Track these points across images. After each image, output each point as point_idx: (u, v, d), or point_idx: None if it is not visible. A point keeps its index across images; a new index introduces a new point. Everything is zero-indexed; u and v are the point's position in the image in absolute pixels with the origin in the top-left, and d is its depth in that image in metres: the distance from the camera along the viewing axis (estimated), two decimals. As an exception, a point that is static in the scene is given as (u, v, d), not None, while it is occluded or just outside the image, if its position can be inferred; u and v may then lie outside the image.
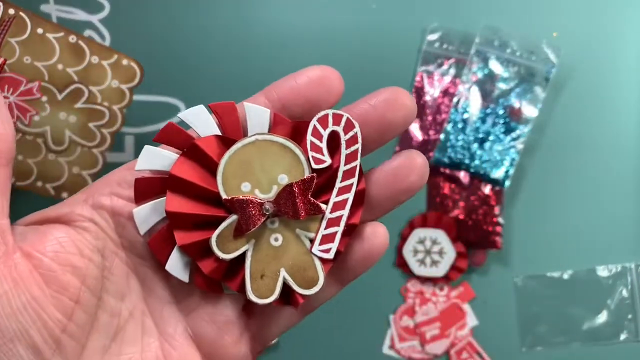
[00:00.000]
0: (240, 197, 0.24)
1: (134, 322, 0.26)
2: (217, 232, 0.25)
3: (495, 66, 0.53)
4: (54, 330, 0.23)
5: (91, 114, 0.45)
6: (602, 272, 0.53)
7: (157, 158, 0.25)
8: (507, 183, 0.53)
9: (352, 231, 0.26)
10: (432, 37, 0.53)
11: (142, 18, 0.52)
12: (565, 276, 0.53)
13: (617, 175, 0.53)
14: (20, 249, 0.24)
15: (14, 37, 0.41)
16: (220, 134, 0.25)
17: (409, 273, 0.54)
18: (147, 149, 0.25)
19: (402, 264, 0.54)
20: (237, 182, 0.25)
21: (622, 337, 0.53)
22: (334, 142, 0.25)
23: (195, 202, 0.25)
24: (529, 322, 0.53)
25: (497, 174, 0.53)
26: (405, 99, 0.25)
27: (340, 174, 0.25)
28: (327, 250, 0.25)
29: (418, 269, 0.53)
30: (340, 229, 0.25)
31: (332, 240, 0.25)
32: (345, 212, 0.25)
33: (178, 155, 0.25)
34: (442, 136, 0.53)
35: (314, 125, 0.25)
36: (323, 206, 0.25)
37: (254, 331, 0.27)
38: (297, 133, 0.25)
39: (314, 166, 0.25)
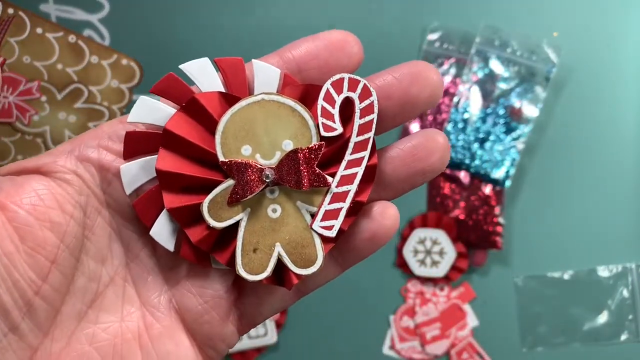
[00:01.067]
0: (239, 160, 0.22)
1: (114, 289, 0.23)
2: (210, 196, 0.23)
3: (495, 66, 0.53)
4: (25, 291, 0.21)
5: (91, 114, 0.45)
6: (603, 272, 0.53)
7: (153, 111, 0.23)
8: (508, 183, 0.53)
9: (358, 209, 0.23)
10: (433, 36, 0.53)
11: (142, 18, 0.52)
12: (566, 276, 0.53)
13: (617, 175, 0.53)
14: None
15: (13, 37, 0.41)
16: (224, 91, 0.23)
17: (409, 273, 0.53)
18: (142, 99, 0.23)
19: (402, 264, 0.53)
20: (238, 145, 0.23)
21: (623, 337, 0.52)
22: (347, 109, 0.23)
23: (189, 163, 0.23)
24: (529, 322, 0.53)
25: (498, 174, 0.53)
26: (433, 74, 0.23)
27: (351, 145, 0.23)
28: (329, 228, 0.23)
29: (418, 269, 0.53)
30: (345, 206, 0.23)
31: (336, 217, 0.23)
32: (352, 188, 0.23)
33: (175, 110, 0.23)
34: (442, 136, 0.53)
35: (327, 88, 0.23)
36: (329, 178, 0.23)
37: (242, 309, 0.25)
38: (307, 97, 0.23)
39: (323, 134, 0.23)
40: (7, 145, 0.43)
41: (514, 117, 0.53)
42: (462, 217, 0.53)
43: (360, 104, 0.23)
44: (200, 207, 0.23)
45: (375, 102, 0.23)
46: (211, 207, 0.23)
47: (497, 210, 0.53)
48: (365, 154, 0.23)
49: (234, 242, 0.23)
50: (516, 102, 0.53)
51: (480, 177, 0.53)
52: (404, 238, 0.53)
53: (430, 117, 0.54)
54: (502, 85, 0.53)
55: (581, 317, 0.53)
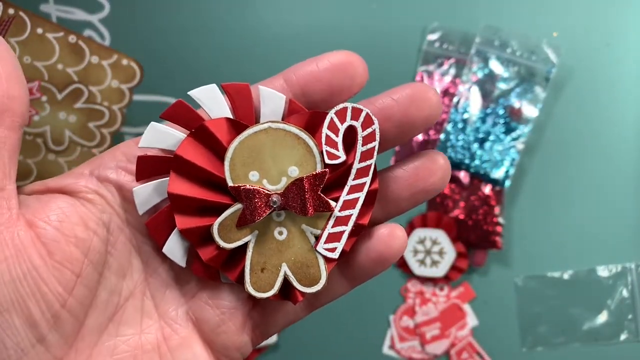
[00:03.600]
0: (248, 186, 0.23)
1: (134, 303, 0.25)
2: (219, 219, 0.24)
3: (495, 66, 0.53)
4: (53, 303, 0.22)
5: (91, 114, 0.45)
6: (603, 272, 0.53)
7: (163, 136, 0.24)
8: (508, 183, 0.53)
9: (359, 231, 0.25)
10: (432, 37, 0.53)
11: (142, 18, 0.52)
12: (566, 276, 0.53)
13: (617, 175, 0.53)
14: (23, 216, 0.22)
15: (13, 37, 0.41)
16: (231, 116, 0.24)
17: (409, 273, 0.54)
18: (153, 126, 0.24)
19: (402, 264, 0.53)
20: (245, 170, 0.24)
21: (623, 337, 0.52)
22: (350, 136, 0.24)
23: (199, 187, 0.24)
24: (529, 322, 0.53)
25: (498, 174, 0.53)
26: (431, 95, 0.24)
27: (353, 172, 0.24)
28: (333, 250, 0.24)
29: (418, 269, 0.53)
30: (348, 229, 0.24)
31: (339, 240, 0.24)
32: (355, 212, 0.24)
33: (185, 135, 0.24)
34: (442, 136, 0.53)
35: (331, 118, 0.24)
36: (333, 204, 0.24)
37: (257, 320, 0.26)
38: (312, 124, 0.24)
39: (327, 161, 0.24)
40: (7, 145, 0.43)
41: (513, 117, 0.53)
42: (461, 217, 0.53)
43: (362, 132, 0.24)
44: (210, 229, 0.24)
45: (377, 130, 0.24)
46: (221, 229, 0.24)
47: (496, 210, 0.53)
48: (367, 179, 0.24)
49: (243, 260, 0.24)
50: (516, 102, 0.53)
51: (480, 177, 0.53)
52: (403, 238, 0.53)
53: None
54: (502, 86, 0.53)
55: (581, 317, 0.53)
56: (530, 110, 0.52)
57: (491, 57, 0.53)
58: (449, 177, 0.25)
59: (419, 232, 0.53)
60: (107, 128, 0.45)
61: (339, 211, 0.24)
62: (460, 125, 0.53)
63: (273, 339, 0.53)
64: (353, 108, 0.24)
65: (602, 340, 0.53)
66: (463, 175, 0.53)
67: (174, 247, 0.24)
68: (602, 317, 0.53)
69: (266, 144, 0.24)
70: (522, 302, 0.53)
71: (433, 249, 0.53)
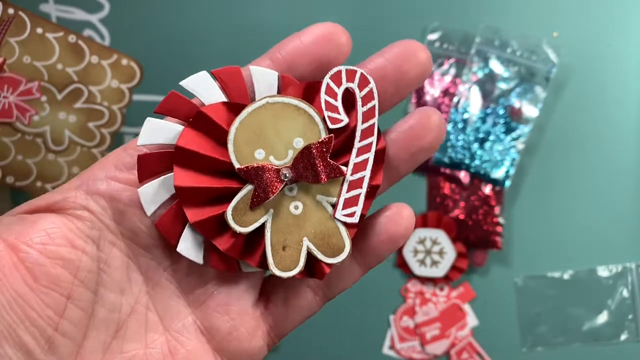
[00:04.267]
0: (255, 164, 0.23)
1: (137, 317, 0.24)
2: (232, 204, 0.23)
3: (495, 66, 0.53)
4: (45, 328, 0.21)
5: (91, 114, 0.45)
6: (603, 272, 0.53)
7: (161, 131, 0.23)
8: (508, 183, 0.53)
9: (374, 193, 0.24)
10: (433, 36, 0.53)
11: (141, 18, 0.52)
12: (566, 276, 0.53)
13: (617, 175, 0.53)
14: (5, 240, 0.22)
15: (13, 37, 0.41)
16: (226, 100, 0.24)
17: (409, 273, 0.54)
18: (149, 121, 0.23)
19: (402, 264, 0.53)
20: (250, 150, 0.23)
21: (623, 337, 0.52)
22: (348, 100, 0.24)
23: (205, 175, 0.23)
24: (529, 322, 0.53)
25: (498, 174, 0.53)
26: (420, 49, 0.23)
27: (358, 133, 0.24)
28: (352, 215, 0.24)
29: (418, 269, 0.53)
30: (363, 191, 0.24)
31: (356, 204, 0.24)
32: (367, 174, 0.24)
33: (183, 127, 0.23)
34: (442, 136, 0.53)
35: (327, 83, 0.23)
36: (344, 168, 0.24)
37: (270, 322, 0.25)
38: (309, 93, 0.24)
39: (331, 126, 0.24)
40: (7, 145, 0.43)
41: (513, 117, 0.53)
42: (462, 217, 0.53)
43: (360, 92, 0.24)
44: (224, 216, 0.23)
45: (374, 89, 0.24)
46: (234, 214, 0.23)
47: (497, 210, 0.53)
48: (373, 139, 0.24)
49: (262, 244, 0.24)
50: (516, 102, 0.53)
51: (480, 177, 0.53)
52: (404, 238, 0.53)
53: (430, 117, 0.54)
54: (502, 85, 0.53)
55: (581, 317, 0.53)
56: (530, 110, 0.52)
57: (491, 57, 0.53)
58: (445, 133, 0.24)
59: (419, 232, 0.53)
60: (107, 128, 0.45)
61: (351, 175, 0.24)
62: (460, 125, 0.53)
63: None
64: (347, 70, 0.23)
65: (602, 341, 0.53)
66: (463, 175, 0.53)
67: (189, 244, 0.23)
68: (603, 317, 0.53)
69: (267, 119, 0.23)
70: (522, 302, 0.53)
71: (433, 249, 0.53)
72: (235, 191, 0.23)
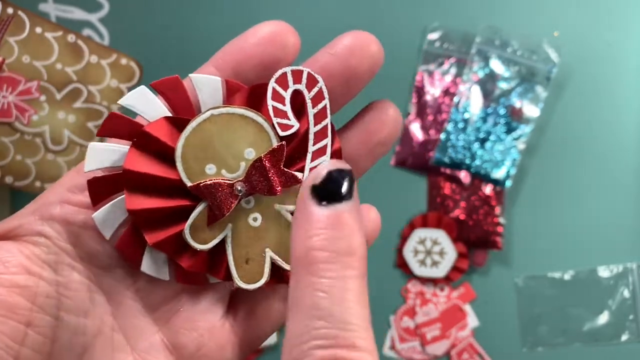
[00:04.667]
0: (207, 181, 0.22)
1: (103, 339, 0.23)
2: (189, 222, 0.22)
3: (496, 66, 0.53)
4: (5, 358, 0.21)
5: (90, 114, 0.45)
6: (604, 272, 0.53)
7: (106, 154, 0.22)
8: (508, 183, 0.53)
9: None
10: (433, 36, 0.53)
11: (141, 17, 0.52)
12: (567, 276, 0.53)
13: (618, 175, 0.53)
14: None
15: (12, 36, 0.41)
16: (170, 114, 0.23)
17: (409, 273, 0.53)
18: (92, 146, 0.22)
19: (402, 265, 0.53)
20: (200, 166, 0.22)
21: (624, 337, 0.52)
22: (298, 102, 0.23)
23: (157, 196, 0.23)
24: (530, 322, 0.53)
25: (498, 174, 0.52)
26: (370, 41, 0.22)
27: (311, 137, 0.23)
28: None
29: (418, 270, 0.53)
30: None
31: None
32: None
33: (128, 147, 0.22)
34: (442, 136, 0.53)
35: (273, 87, 0.22)
36: (299, 175, 0.23)
37: (240, 334, 0.25)
38: (255, 99, 0.23)
39: (281, 133, 0.23)
40: (6, 145, 0.43)
41: (514, 117, 0.53)
42: (462, 217, 0.53)
43: (309, 93, 0.23)
44: (182, 235, 0.23)
45: (324, 88, 0.23)
46: (193, 231, 0.23)
47: (497, 210, 0.53)
48: (327, 141, 0.23)
49: (225, 258, 0.23)
50: (517, 102, 0.52)
51: (480, 177, 0.53)
52: (404, 238, 0.53)
53: (430, 117, 0.54)
54: (503, 85, 0.53)
55: (581, 317, 0.53)
56: (531, 110, 0.52)
57: (492, 56, 0.53)
58: (401, 125, 0.24)
59: (420, 233, 0.53)
60: (106, 128, 0.45)
61: None
62: (461, 125, 0.53)
63: (273, 339, 0.53)
64: (292, 71, 0.22)
65: (603, 341, 0.53)
66: (464, 175, 0.53)
67: (152, 263, 0.23)
68: (603, 318, 0.53)
69: (214, 132, 0.22)
70: (523, 303, 0.53)
71: (433, 250, 0.53)
72: (191, 208, 0.23)
